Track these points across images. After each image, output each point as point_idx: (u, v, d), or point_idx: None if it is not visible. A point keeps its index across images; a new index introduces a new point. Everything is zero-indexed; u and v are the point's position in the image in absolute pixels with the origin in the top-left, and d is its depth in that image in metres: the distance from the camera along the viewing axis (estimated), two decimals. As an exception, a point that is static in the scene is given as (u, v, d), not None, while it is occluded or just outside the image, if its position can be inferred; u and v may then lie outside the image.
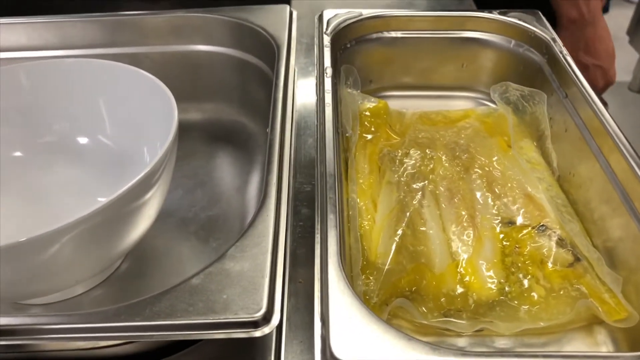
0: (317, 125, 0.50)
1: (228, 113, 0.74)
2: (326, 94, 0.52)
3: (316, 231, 0.40)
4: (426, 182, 0.53)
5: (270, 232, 0.41)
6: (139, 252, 0.56)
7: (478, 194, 0.52)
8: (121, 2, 1.12)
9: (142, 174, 0.43)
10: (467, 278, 0.46)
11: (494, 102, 0.64)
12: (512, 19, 0.64)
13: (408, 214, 0.49)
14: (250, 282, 0.38)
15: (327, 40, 0.60)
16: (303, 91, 0.70)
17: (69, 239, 0.40)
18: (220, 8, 0.69)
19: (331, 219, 0.40)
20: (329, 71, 0.54)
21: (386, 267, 0.45)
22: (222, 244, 0.59)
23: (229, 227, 0.60)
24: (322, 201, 0.42)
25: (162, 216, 0.56)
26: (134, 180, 0.42)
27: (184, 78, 0.72)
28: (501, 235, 0.49)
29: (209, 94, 0.74)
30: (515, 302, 0.44)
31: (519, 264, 0.47)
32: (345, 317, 0.34)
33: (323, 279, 0.36)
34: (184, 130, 0.72)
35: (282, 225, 0.41)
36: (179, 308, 0.37)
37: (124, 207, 0.43)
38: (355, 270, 0.44)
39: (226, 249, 0.40)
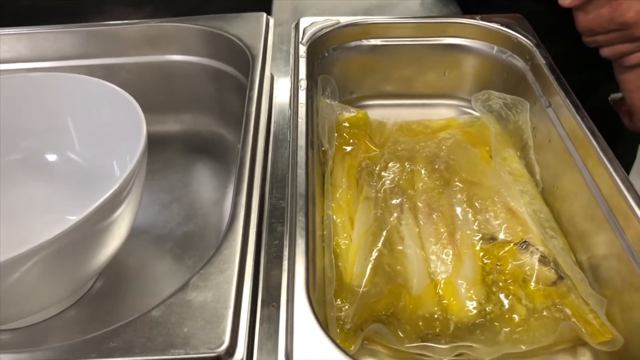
0: (289, 140, 0.48)
1: (206, 124, 0.72)
2: (300, 108, 0.50)
3: (284, 258, 0.38)
4: (405, 197, 0.51)
5: (236, 258, 0.39)
6: (112, 271, 0.54)
7: (458, 209, 0.50)
8: (105, 7, 1.11)
9: (110, 192, 0.41)
10: (445, 300, 0.44)
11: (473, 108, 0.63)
12: (494, 24, 0.62)
13: (385, 232, 0.48)
14: (213, 314, 0.36)
15: (302, 50, 0.58)
16: (283, 101, 0.68)
17: (34, 263, 0.39)
18: (196, 17, 0.67)
19: (299, 244, 0.38)
20: (303, 83, 0.53)
21: (361, 289, 0.44)
22: (197, 262, 0.57)
23: (205, 244, 0.59)
24: (291, 224, 0.40)
25: (137, 233, 0.55)
26: (101, 199, 0.40)
27: (160, 89, 0.71)
28: (481, 253, 0.47)
29: (186, 104, 0.72)
30: (496, 323, 0.43)
31: (500, 283, 0.45)
32: (311, 353, 0.32)
33: (289, 313, 0.34)
34: (161, 142, 0.71)
35: (249, 250, 0.39)
36: (138, 343, 0.35)
37: (92, 227, 0.41)
38: (329, 295, 0.42)
39: (189, 278, 0.38)
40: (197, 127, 0.72)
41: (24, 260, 0.37)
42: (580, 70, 0.71)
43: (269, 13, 0.87)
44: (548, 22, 0.73)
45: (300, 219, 0.40)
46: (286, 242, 0.39)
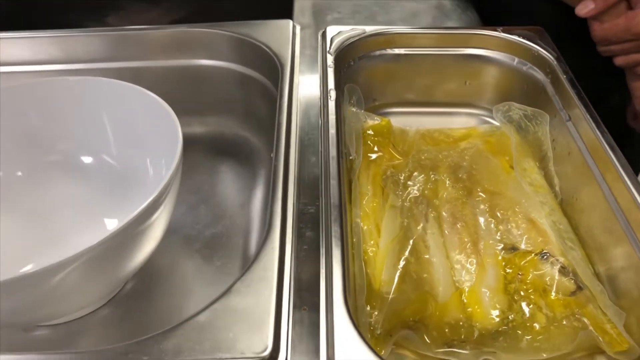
0: (320, 150, 0.50)
1: (231, 127, 0.75)
2: (330, 118, 0.52)
3: (321, 266, 0.40)
4: (429, 207, 0.53)
5: (275, 265, 0.41)
6: (144, 271, 0.56)
7: (481, 219, 0.52)
8: (122, 3, 1.13)
9: (151, 197, 0.43)
10: (470, 307, 0.46)
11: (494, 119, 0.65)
12: (515, 36, 0.63)
13: (412, 240, 0.50)
14: (256, 319, 0.38)
15: (330, 60, 0.60)
16: (305, 105, 0.70)
17: (75, 268, 0.40)
18: (224, 23, 0.69)
19: (336, 254, 0.40)
20: (332, 94, 0.55)
21: (390, 296, 0.46)
22: (226, 263, 0.59)
23: (232, 245, 0.61)
24: (327, 234, 0.42)
25: (167, 233, 0.56)
26: (144, 204, 0.42)
27: (186, 91, 0.73)
28: (504, 263, 0.49)
29: (212, 107, 0.74)
30: (518, 331, 0.45)
31: (522, 292, 0.48)
32: (350, 357, 0.34)
33: (328, 319, 0.37)
34: (187, 144, 0.72)
35: (287, 258, 0.42)
36: (186, 347, 0.37)
37: (132, 232, 0.43)
38: (360, 301, 0.44)
39: (232, 284, 0.41)
40: (222, 130, 0.75)
41: (65, 265, 0.39)
42: (594, 77, 0.73)
43: (290, 16, 0.89)
44: (563, 29, 0.74)
45: (336, 229, 0.42)
46: (322, 251, 0.41)
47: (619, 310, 0.44)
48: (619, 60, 0.64)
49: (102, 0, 1.08)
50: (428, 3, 0.89)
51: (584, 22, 0.73)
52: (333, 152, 0.49)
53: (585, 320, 0.45)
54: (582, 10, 0.71)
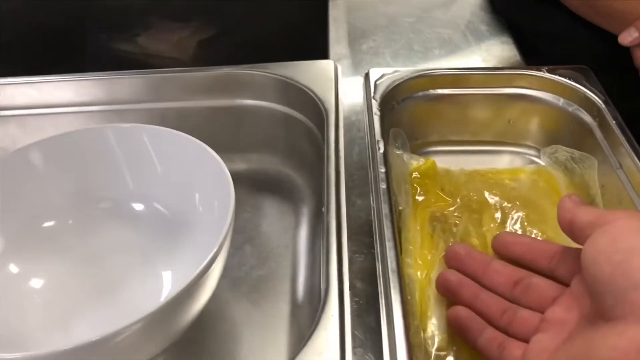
0: (372, 206, 0.51)
1: (272, 163, 0.75)
2: (380, 171, 0.52)
3: (382, 338, 0.41)
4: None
5: (336, 333, 0.42)
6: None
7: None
8: (152, 22, 1.14)
9: (212, 252, 0.44)
10: None
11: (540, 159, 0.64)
12: (560, 77, 0.63)
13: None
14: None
15: (375, 106, 0.60)
16: (347, 142, 0.70)
17: (134, 331, 0.41)
18: (266, 64, 0.70)
19: (398, 324, 0.41)
20: (381, 145, 0.55)
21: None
22: (274, 307, 0.60)
23: (279, 288, 0.62)
24: (388, 307, 0.42)
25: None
26: (205, 261, 0.43)
27: (229, 129, 0.74)
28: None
29: (254, 144, 0.75)
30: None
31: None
32: None
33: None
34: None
35: (347, 330, 0.42)
36: None
37: (190, 290, 0.43)
38: (418, 363, 0.45)
39: (295, 353, 0.41)
40: (264, 167, 0.75)
41: (127, 329, 0.39)
42: (632, 99, 0.73)
43: (326, 42, 0.89)
44: (605, 56, 0.74)
45: (396, 297, 0.42)
46: (384, 327, 0.42)
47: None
48: None
49: (131, 20, 1.09)
50: (461, 28, 0.89)
51: (626, 50, 0.72)
52: (386, 209, 0.49)
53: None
54: (625, 38, 0.71)
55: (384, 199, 0.50)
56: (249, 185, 0.74)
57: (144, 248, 0.60)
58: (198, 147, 0.55)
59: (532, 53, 0.80)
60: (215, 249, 0.45)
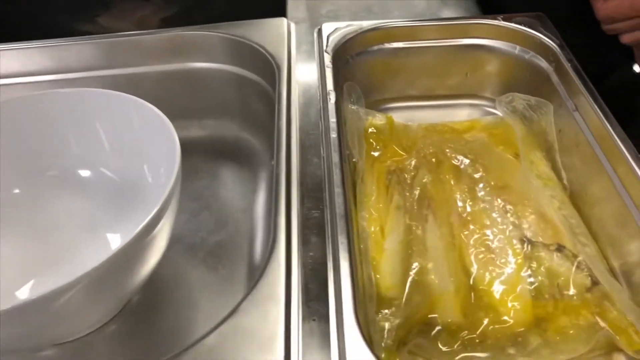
0: (323, 156, 0.49)
1: (230, 129, 0.73)
2: (331, 121, 0.51)
3: (329, 280, 0.39)
4: (436, 207, 0.52)
5: (282, 281, 0.40)
6: (149, 284, 0.55)
7: (492, 216, 0.51)
8: (114, 2, 1.10)
9: (152, 212, 0.42)
10: (488, 307, 0.45)
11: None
12: (516, 24, 0.62)
13: (420, 243, 0.49)
14: (265, 338, 0.37)
15: (328, 59, 0.58)
16: (304, 103, 0.68)
17: (79, 289, 0.39)
18: (218, 25, 0.68)
19: (344, 267, 0.39)
20: (332, 96, 0.53)
21: (402, 303, 0.45)
22: (231, 272, 0.58)
23: (237, 253, 0.60)
24: (334, 246, 0.41)
25: (170, 243, 0.56)
26: (145, 220, 0.41)
27: (183, 95, 0.71)
28: (518, 259, 0.48)
29: (209, 110, 0.73)
30: (535, 332, 0.44)
31: (538, 289, 0.47)
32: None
33: (339, 335, 0.36)
34: (186, 148, 0.71)
35: (294, 273, 0.41)
36: (197, 371, 0.36)
37: (135, 248, 0.42)
38: (371, 313, 0.44)
39: (239, 302, 0.40)
40: (221, 133, 0.73)
41: (69, 288, 0.38)
42: (598, 54, 0.71)
43: (284, 10, 0.87)
44: (564, 10, 0.73)
45: (343, 240, 0.41)
46: (330, 265, 0.40)
47: (638, 310, 0.43)
48: (625, 39, 0.62)
49: (92, 1, 1.06)
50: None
51: (585, 1, 0.71)
52: (336, 158, 0.47)
53: (602, 317, 0.44)
54: None
55: (334, 148, 0.48)
56: (207, 152, 0.72)
57: (92, 214, 0.58)
58: (141, 106, 0.53)
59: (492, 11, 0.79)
60: (157, 207, 0.43)
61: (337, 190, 0.44)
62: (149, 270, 0.48)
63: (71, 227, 0.57)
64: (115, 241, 0.56)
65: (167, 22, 1.08)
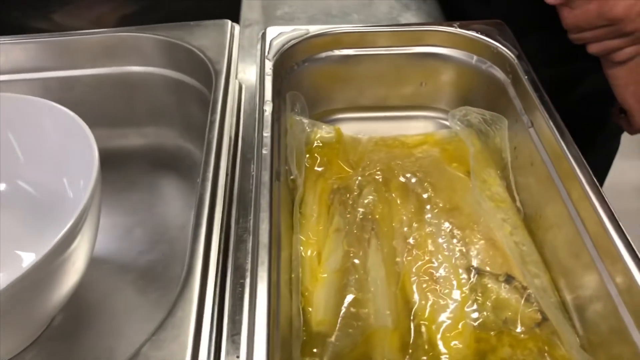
0: (252, 174, 0.45)
1: (170, 138, 0.68)
2: (264, 135, 0.46)
3: (242, 317, 0.35)
4: (378, 230, 0.48)
5: (192, 320, 0.36)
6: (71, 306, 0.51)
7: (439, 241, 0.47)
8: (54, 8, 1.05)
9: (65, 229, 0.38)
10: (428, 344, 0.41)
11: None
12: (473, 32, 0.58)
13: (357, 272, 0.44)
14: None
15: (268, 66, 0.54)
16: (250, 114, 0.64)
17: None
18: (156, 26, 0.63)
19: (260, 305, 0.35)
20: (268, 107, 0.49)
21: (332, 339, 0.40)
22: (162, 295, 0.53)
23: (170, 274, 0.55)
24: (252, 278, 0.37)
25: (97, 262, 0.51)
26: (57, 237, 0.37)
27: (120, 101, 0.66)
28: (464, 288, 0.44)
29: (148, 118, 0.68)
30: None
31: (483, 320, 0.43)
32: None
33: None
34: (123, 158, 0.67)
35: (206, 312, 0.36)
36: None
37: (47, 268, 0.38)
38: (297, 350, 0.39)
39: (139, 346, 0.35)
40: (161, 141, 0.68)
41: None
42: (566, 62, 0.68)
43: (237, 11, 0.82)
44: (531, 16, 0.69)
45: (262, 274, 0.36)
46: (246, 302, 0.36)
47: (587, 356, 0.39)
48: (592, 48, 0.59)
49: (47, -4, 1.01)
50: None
51: (549, 8, 0.67)
52: (265, 177, 0.43)
53: (549, 357, 0.40)
54: None
55: (264, 165, 0.44)
56: (145, 163, 0.67)
57: (6, 232, 0.53)
58: (57, 111, 0.48)
59: (455, 16, 0.75)
60: (70, 222, 0.38)
61: (263, 214, 0.40)
62: (67, 292, 0.44)
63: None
64: (29, 260, 0.51)
65: (126, 21, 1.03)
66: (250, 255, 0.39)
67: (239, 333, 0.35)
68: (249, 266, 0.38)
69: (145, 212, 0.61)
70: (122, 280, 0.55)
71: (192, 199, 0.63)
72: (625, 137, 0.91)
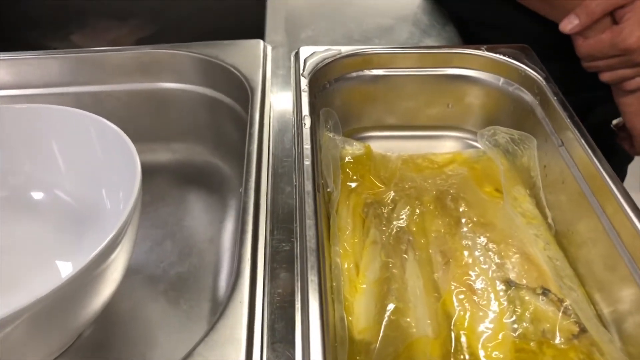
0: (295, 184, 0.46)
1: (200, 153, 0.70)
2: (305, 148, 0.47)
3: (296, 321, 0.36)
4: (415, 243, 0.49)
5: (244, 322, 0.36)
6: (103, 317, 0.51)
7: (476, 254, 0.48)
8: (89, 21, 1.07)
9: (106, 240, 0.38)
10: (468, 353, 0.42)
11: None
12: (500, 55, 0.60)
13: (396, 282, 0.45)
14: (221, 388, 0.33)
15: (304, 83, 0.55)
16: (279, 129, 0.65)
17: (22, 322, 0.35)
18: (190, 44, 0.64)
19: (313, 310, 0.35)
20: (307, 121, 0.50)
21: (376, 348, 0.41)
22: (193, 306, 0.54)
23: (201, 286, 0.56)
24: (303, 281, 0.37)
25: (129, 273, 0.51)
26: (98, 248, 0.38)
27: (151, 117, 0.68)
28: (503, 300, 0.45)
29: (179, 133, 0.69)
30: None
31: (522, 332, 0.43)
32: None
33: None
34: (152, 172, 0.68)
35: (257, 315, 0.37)
36: None
37: (86, 278, 0.38)
38: (342, 356, 0.40)
39: (194, 347, 0.35)
40: (190, 157, 0.69)
41: (10, 321, 0.34)
42: (578, 91, 0.70)
43: (262, 35, 0.84)
44: (546, 44, 0.71)
45: (313, 278, 0.37)
46: (298, 305, 0.37)
47: (630, 364, 0.40)
48: (604, 77, 0.62)
49: (66, 17, 1.03)
50: (404, 19, 0.86)
51: (567, 37, 0.70)
52: (309, 186, 0.44)
53: (590, 369, 0.41)
54: (566, 26, 0.68)
55: (307, 175, 0.45)
56: (174, 178, 0.68)
57: (43, 240, 0.53)
58: (101, 125, 0.49)
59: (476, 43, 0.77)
60: (111, 235, 0.39)
61: (309, 222, 0.41)
62: (102, 303, 0.44)
63: (19, 253, 0.53)
64: (67, 269, 0.52)
65: (142, 43, 1.05)
66: (298, 260, 0.39)
67: (293, 336, 0.36)
68: (297, 270, 0.39)
69: (174, 225, 0.62)
70: (154, 291, 0.55)
71: (219, 213, 0.64)
72: (632, 167, 0.93)
